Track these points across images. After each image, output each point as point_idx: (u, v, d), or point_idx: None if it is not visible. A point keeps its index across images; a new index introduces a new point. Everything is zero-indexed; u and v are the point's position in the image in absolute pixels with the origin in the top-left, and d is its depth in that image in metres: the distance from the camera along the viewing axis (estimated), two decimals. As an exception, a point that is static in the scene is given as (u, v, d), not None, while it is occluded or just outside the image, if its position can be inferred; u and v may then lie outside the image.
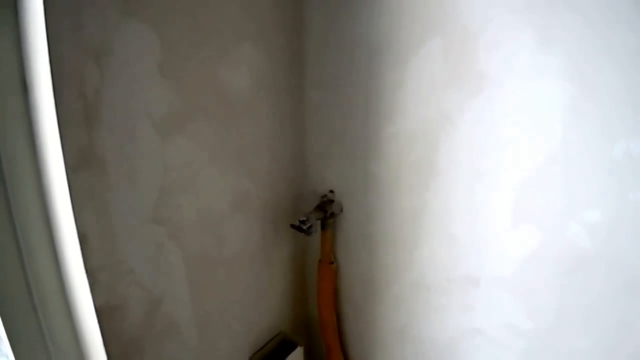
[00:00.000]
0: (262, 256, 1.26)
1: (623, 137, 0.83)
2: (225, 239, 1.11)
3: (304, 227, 1.15)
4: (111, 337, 0.88)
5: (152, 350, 0.98)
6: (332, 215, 1.25)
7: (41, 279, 0.86)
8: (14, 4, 0.71)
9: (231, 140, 1.05)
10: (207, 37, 0.94)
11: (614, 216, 0.87)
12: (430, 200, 1.08)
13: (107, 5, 0.76)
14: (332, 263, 1.33)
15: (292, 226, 1.16)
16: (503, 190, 0.98)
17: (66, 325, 0.91)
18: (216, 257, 1.10)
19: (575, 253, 0.93)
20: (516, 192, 0.97)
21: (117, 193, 0.84)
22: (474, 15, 0.92)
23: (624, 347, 0.93)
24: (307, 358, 1.50)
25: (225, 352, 1.20)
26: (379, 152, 1.14)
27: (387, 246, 1.22)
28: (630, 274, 0.88)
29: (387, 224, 1.19)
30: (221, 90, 1.00)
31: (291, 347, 1.36)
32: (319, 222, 1.24)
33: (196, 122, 0.95)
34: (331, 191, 1.28)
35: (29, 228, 0.82)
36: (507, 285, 1.03)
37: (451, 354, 1.20)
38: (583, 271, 0.94)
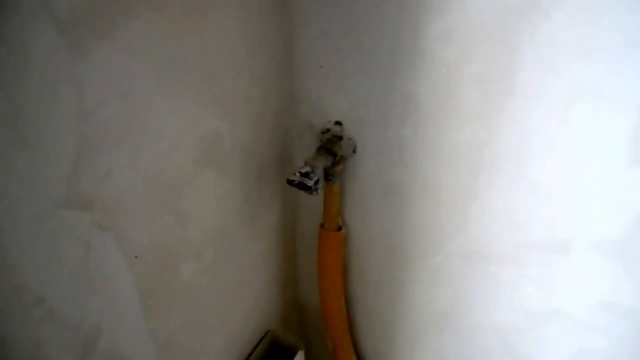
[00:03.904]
0: (243, 230, 1.12)
1: None
2: (188, 214, 0.92)
3: (309, 183, 0.95)
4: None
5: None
6: (341, 159, 1.06)
7: None
8: None
9: (190, 52, 0.83)
10: None
11: None
12: (500, 130, 0.92)
13: None
14: (340, 229, 1.19)
15: (290, 182, 0.97)
16: (618, 111, 0.82)
17: None
18: (177, 244, 0.92)
19: None
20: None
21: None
22: None
23: None
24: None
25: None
26: (419, 61, 0.95)
27: (427, 200, 1.08)
28: None
29: (430, 167, 1.04)
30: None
31: (285, 352, 1.28)
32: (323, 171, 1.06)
33: (133, 21, 0.72)
34: (338, 123, 1.08)
35: None
36: (613, 250, 0.92)
37: (514, 345, 1.13)
38: None
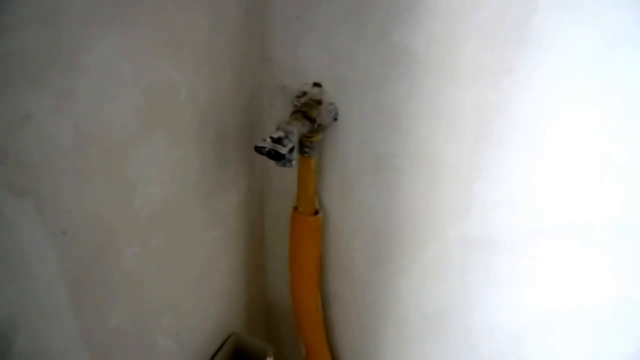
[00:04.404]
0: (200, 210, 1.07)
1: None
2: (132, 184, 0.86)
3: (282, 150, 0.89)
4: None
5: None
6: (320, 127, 1.00)
7: None
8: None
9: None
10: None
11: None
12: (510, 91, 0.87)
13: None
14: (317, 213, 1.15)
15: (258, 150, 0.91)
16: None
17: None
18: (118, 222, 0.86)
19: None
20: None
21: None
22: None
23: None
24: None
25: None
26: (417, 8, 0.90)
27: (422, 177, 1.03)
28: None
29: (426, 137, 0.99)
30: None
31: (251, 359, 1.26)
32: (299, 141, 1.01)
33: None
34: (316, 85, 1.02)
35: None
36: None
37: (519, 352, 1.09)
38: None
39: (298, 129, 0.94)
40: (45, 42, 0.65)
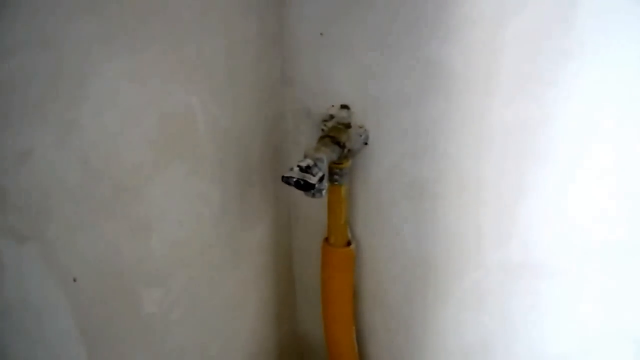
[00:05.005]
0: (224, 247, 1.03)
1: None
2: (149, 223, 0.83)
3: (312, 180, 0.85)
4: None
5: None
6: (349, 153, 0.96)
7: None
8: None
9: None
10: None
11: None
12: (554, 104, 0.84)
13: None
14: (349, 244, 1.10)
15: (286, 180, 0.86)
16: None
17: None
18: (136, 266, 0.82)
19: None
20: None
21: None
22: None
23: None
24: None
25: None
26: (449, 19, 0.87)
27: (462, 201, 0.99)
28: None
29: (465, 158, 0.95)
30: None
31: None
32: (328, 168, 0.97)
33: None
34: (344, 107, 0.99)
35: None
36: None
37: None
38: None
39: (327, 155, 0.90)
40: (47, 67, 0.62)
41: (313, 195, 0.88)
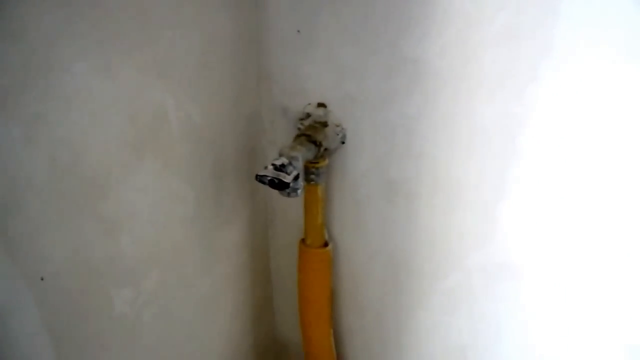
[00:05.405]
0: (198, 247, 1.02)
1: None
2: (120, 222, 0.81)
3: (286, 179, 0.85)
4: None
5: None
6: (326, 152, 0.96)
7: None
8: None
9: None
10: None
11: None
12: (535, 101, 0.83)
13: None
14: (327, 244, 1.10)
15: (260, 179, 0.86)
16: None
17: None
18: (106, 265, 0.80)
19: None
20: None
21: None
22: None
23: None
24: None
25: None
26: (428, 14, 0.86)
27: (440, 201, 0.99)
28: None
29: (444, 157, 0.95)
30: None
31: None
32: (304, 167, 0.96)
33: None
34: (321, 105, 0.99)
35: None
36: None
37: None
38: None
39: (303, 154, 0.90)
40: (13, 59, 0.61)
41: (288, 195, 0.87)
